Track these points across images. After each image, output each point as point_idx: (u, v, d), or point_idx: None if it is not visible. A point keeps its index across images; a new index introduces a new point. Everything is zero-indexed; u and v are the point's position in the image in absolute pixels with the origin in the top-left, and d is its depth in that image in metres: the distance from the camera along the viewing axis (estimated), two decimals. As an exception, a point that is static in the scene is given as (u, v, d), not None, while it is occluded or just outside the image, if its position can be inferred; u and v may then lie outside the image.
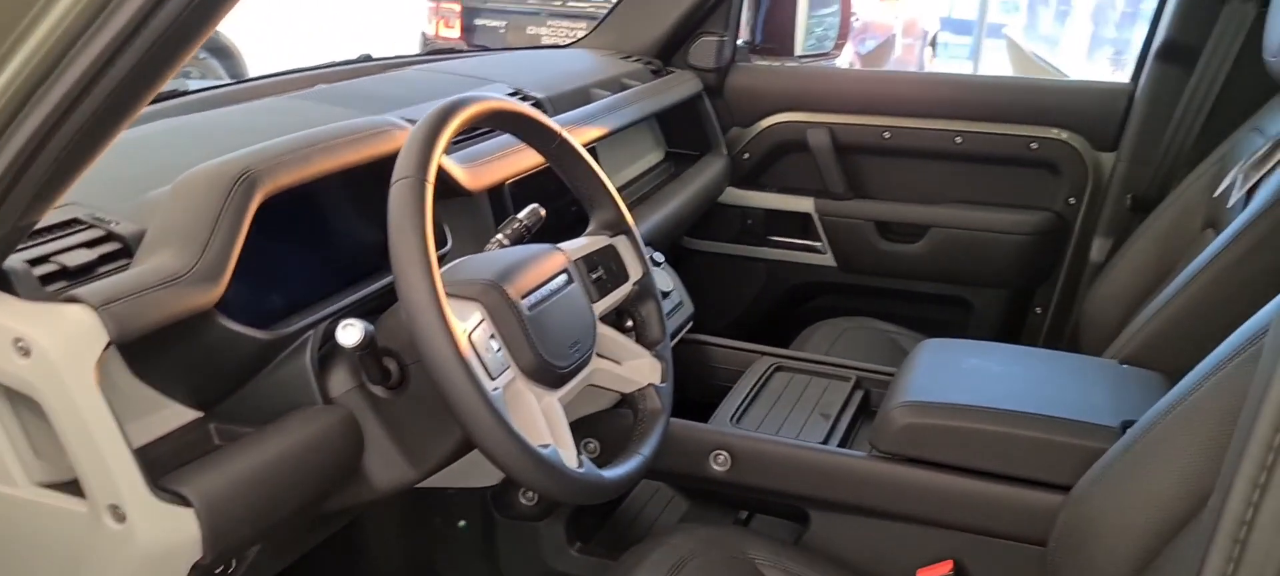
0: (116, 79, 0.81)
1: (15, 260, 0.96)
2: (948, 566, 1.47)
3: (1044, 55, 8.48)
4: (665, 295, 1.70)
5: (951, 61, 9.73)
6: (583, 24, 5.36)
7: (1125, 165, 2.23)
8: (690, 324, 1.83)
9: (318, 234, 1.31)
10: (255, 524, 1.05)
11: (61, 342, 0.90)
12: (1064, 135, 2.28)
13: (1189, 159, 2.05)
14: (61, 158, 0.85)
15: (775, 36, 2.66)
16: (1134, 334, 1.66)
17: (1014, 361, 1.67)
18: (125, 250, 1.07)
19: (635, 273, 1.43)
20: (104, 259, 1.05)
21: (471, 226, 1.48)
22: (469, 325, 1.12)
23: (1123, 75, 2.36)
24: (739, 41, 2.52)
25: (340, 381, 1.16)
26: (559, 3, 5.71)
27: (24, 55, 0.80)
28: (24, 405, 0.95)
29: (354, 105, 1.59)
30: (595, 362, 1.32)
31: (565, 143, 1.35)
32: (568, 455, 1.16)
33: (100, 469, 0.93)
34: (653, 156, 2.36)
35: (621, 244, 1.43)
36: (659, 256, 1.77)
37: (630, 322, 1.46)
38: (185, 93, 1.74)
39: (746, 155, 2.50)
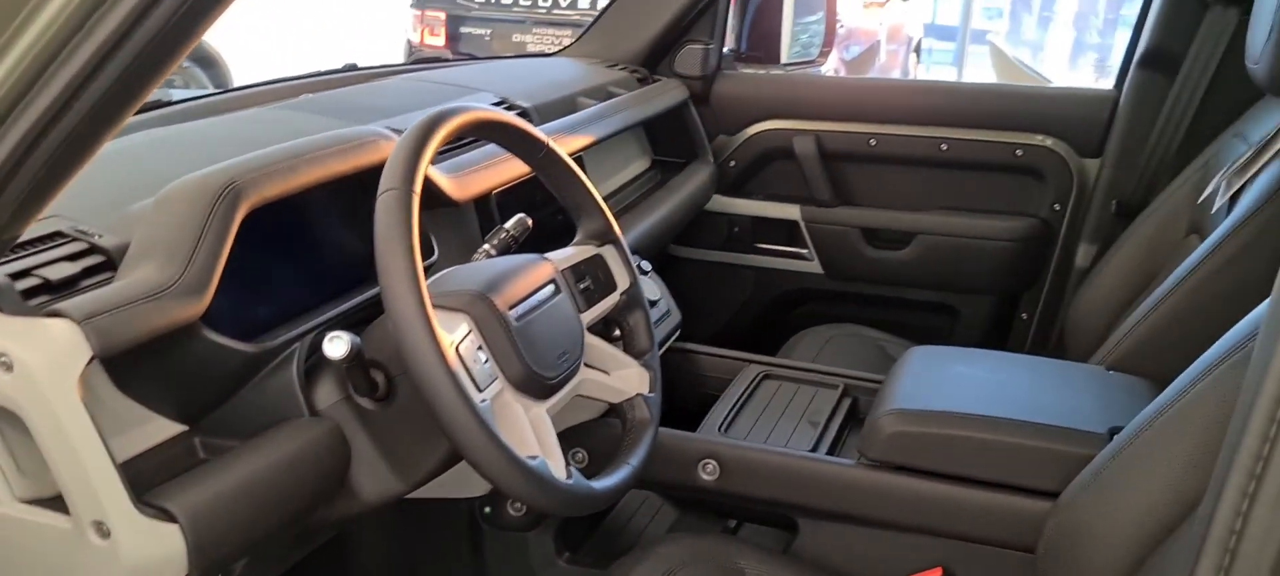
0: (101, 90, 0.81)
1: (-3, 274, 0.96)
2: (937, 573, 1.47)
3: (1027, 61, 8.53)
4: (652, 304, 1.70)
5: (936, 67, 9.77)
6: (568, 32, 5.37)
7: (1110, 171, 2.24)
8: (677, 332, 1.83)
9: (303, 245, 1.31)
10: (241, 538, 1.04)
11: (44, 358, 0.89)
12: (1049, 142, 2.29)
13: (1173, 165, 2.06)
14: (44, 170, 0.84)
15: (761, 44, 2.67)
16: (1120, 340, 1.67)
17: (1001, 368, 1.68)
18: (109, 263, 1.06)
19: (623, 282, 1.43)
20: (87, 272, 1.04)
21: (458, 237, 1.47)
22: (456, 337, 1.12)
23: (1106, 81, 2.37)
24: (725, 49, 2.52)
25: (327, 393, 1.15)
26: (544, 10, 5.71)
27: (6, 67, 0.79)
28: (6, 421, 0.94)
29: (340, 115, 1.58)
30: (583, 373, 1.32)
31: (552, 152, 1.35)
32: (556, 466, 1.16)
33: (84, 485, 0.92)
34: (639, 165, 2.36)
35: (609, 253, 1.43)
36: (646, 265, 1.77)
37: (618, 332, 1.45)
38: (169, 103, 1.73)
39: (733, 163, 2.50)
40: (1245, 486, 0.63)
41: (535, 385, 1.20)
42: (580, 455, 1.60)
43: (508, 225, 1.41)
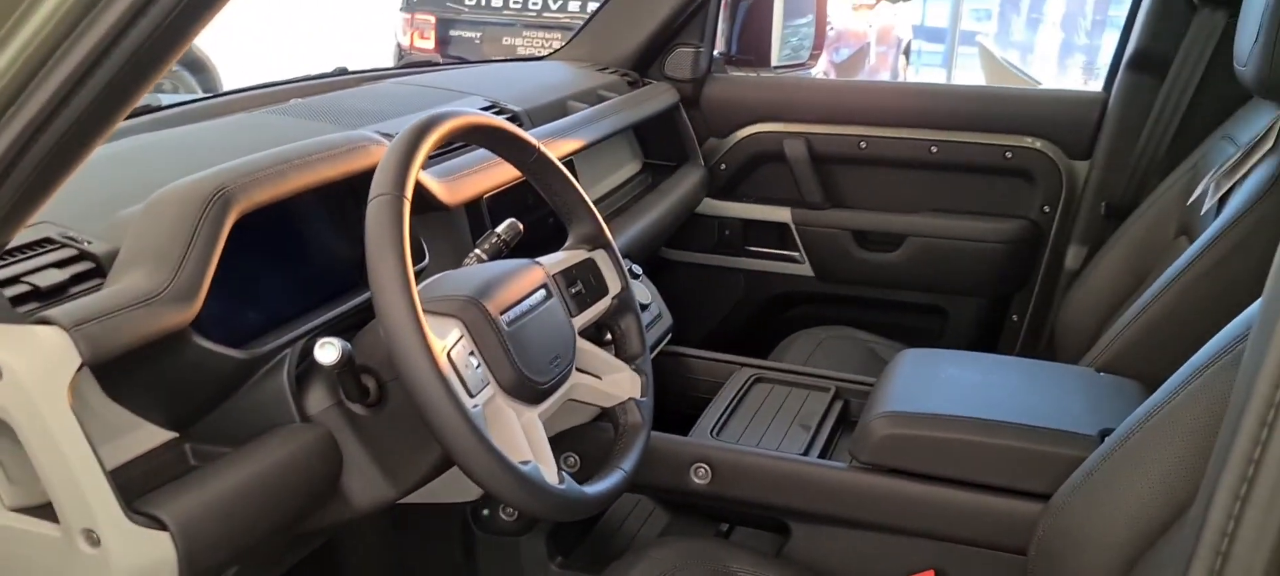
0: (91, 95, 0.80)
1: (-14, 282, 0.95)
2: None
3: (1016, 63, 8.56)
4: (644, 308, 1.70)
5: (925, 69, 9.81)
6: (558, 34, 5.37)
7: (1099, 173, 2.25)
8: (669, 336, 1.83)
9: (294, 250, 1.30)
10: (232, 545, 1.03)
11: (33, 365, 0.89)
12: (1038, 144, 2.30)
13: (1162, 167, 2.07)
14: (34, 176, 0.84)
15: (751, 47, 2.67)
16: (1110, 342, 1.68)
17: (992, 370, 1.68)
18: (98, 270, 1.06)
19: (614, 286, 1.43)
20: (76, 279, 1.03)
21: (449, 241, 1.47)
22: (448, 342, 1.12)
23: (1095, 83, 2.38)
24: (715, 52, 2.52)
25: (318, 399, 1.15)
26: (534, 14, 5.70)
27: (-4, 73, 0.79)
28: (-5, 428, 0.93)
29: (329, 120, 1.58)
30: (575, 377, 1.31)
31: (543, 156, 1.35)
32: (548, 471, 1.16)
33: (74, 492, 0.92)
34: (630, 168, 2.36)
35: (600, 258, 1.43)
36: (637, 269, 1.77)
37: (610, 336, 1.45)
38: (159, 108, 1.72)
39: (723, 166, 2.50)
40: (1237, 488, 0.64)
41: (527, 390, 1.20)
42: (572, 460, 1.60)
43: (499, 229, 1.41)
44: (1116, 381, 1.60)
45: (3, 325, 0.92)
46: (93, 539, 0.93)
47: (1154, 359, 1.52)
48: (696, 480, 1.57)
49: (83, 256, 1.06)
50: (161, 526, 0.95)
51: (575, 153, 1.88)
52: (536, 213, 1.59)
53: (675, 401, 1.87)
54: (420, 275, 1.36)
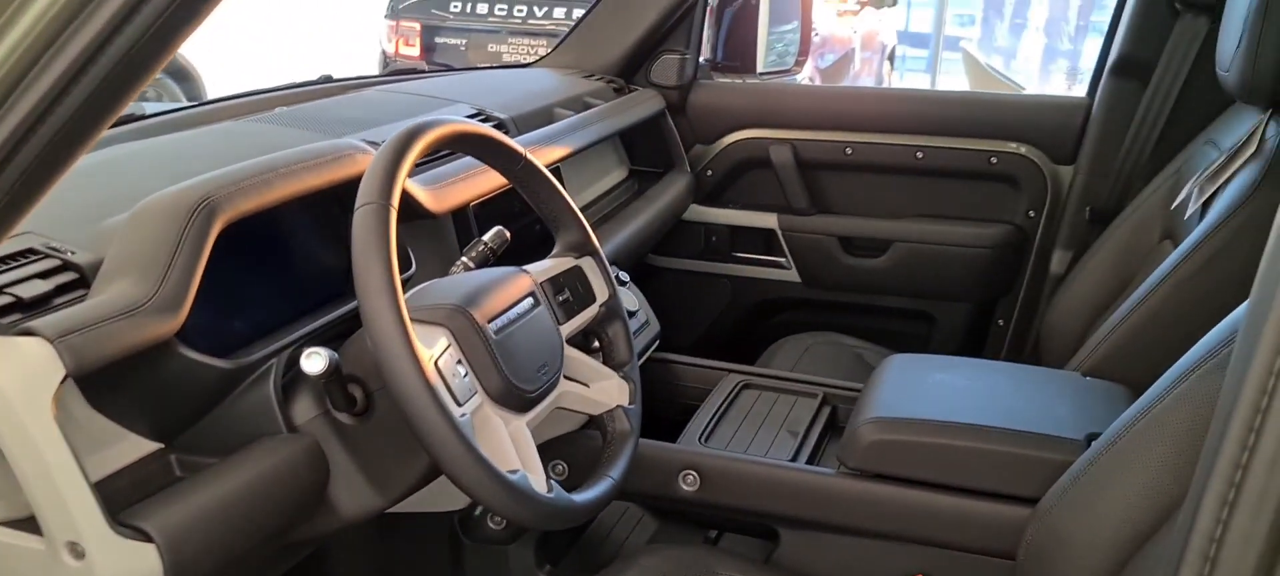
0: (75, 104, 0.80)
1: (-32, 293, 0.94)
2: (917, 581, 1.47)
3: (1000, 68, 8.60)
4: (631, 315, 1.69)
5: (910, 75, 9.84)
6: (544, 41, 5.36)
7: (1083, 178, 2.26)
8: (657, 343, 1.83)
9: (280, 260, 1.30)
10: (219, 557, 1.03)
11: (17, 376, 0.88)
12: (1023, 149, 2.31)
13: (1146, 171, 2.08)
14: (17, 186, 0.83)
15: (737, 54, 2.67)
16: (1095, 346, 1.68)
17: (979, 375, 1.68)
18: (82, 280, 1.05)
19: (602, 294, 1.43)
20: (60, 289, 1.02)
21: (436, 249, 1.46)
22: (435, 351, 1.11)
23: (1079, 88, 2.40)
24: (701, 59, 2.52)
25: (305, 409, 1.14)
26: (520, 21, 5.70)
27: (-23, 83, 0.78)
28: (-22, 441, 0.93)
29: (315, 128, 1.57)
30: (563, 385, 1.31)
31: (529, 164, 1.35)
32: (537, 480, 1.15)
33: (58, 505, 0.91)
34: (616, 175, 2.36)
35: (587, 265, 1.43)
36: (624, 276, 1.77)
37: (597, 344, 1.45)
38: (143, 116, 1.71)
39: (710, 172, 2.50)
40: (1225, 493, 0.64)
41: (515, 398, 1.20)
42: (560, 468, 1.59)
43: (486, 237, 1.41)
44: (1103, 385, 1.61)
45: (-14, 337, 0.91)
46: (77, 552, 0.92)
47: (1140, 363, 1.52)
48: (685, 487, 1.57)
49: (67, 267, 1.05)
50: (147, 538, 0.95)
51: (562, 160, 1.88)
52: (523, 220, 1.58)
53: (663, 408, 1.87)
54: (407, 283, 1.36)
